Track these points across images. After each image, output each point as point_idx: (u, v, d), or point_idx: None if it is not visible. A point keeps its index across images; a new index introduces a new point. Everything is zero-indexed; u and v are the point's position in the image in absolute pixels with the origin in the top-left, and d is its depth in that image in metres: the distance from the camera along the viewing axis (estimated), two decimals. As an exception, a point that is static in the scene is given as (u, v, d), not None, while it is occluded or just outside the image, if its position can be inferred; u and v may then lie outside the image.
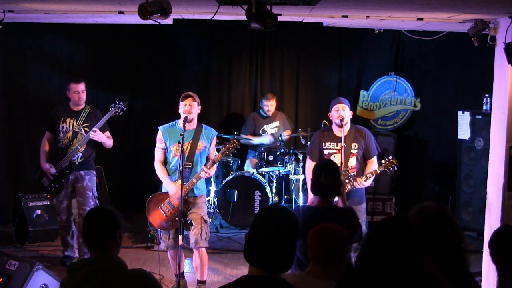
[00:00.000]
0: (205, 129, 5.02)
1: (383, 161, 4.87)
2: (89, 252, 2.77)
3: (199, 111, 4.99)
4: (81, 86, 5.67)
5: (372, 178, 4.95)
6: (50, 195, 5.80)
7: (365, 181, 4.87)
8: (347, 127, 4.96)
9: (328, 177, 3.67)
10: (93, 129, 5.54)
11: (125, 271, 2.67)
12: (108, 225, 2.73)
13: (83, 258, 2.77)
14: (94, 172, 5.83)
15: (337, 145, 4.98)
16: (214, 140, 5.06)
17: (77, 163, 5.65)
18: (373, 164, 5.02)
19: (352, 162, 4.96)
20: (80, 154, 5.64)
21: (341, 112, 4.93)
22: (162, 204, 4.90)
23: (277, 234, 2.16)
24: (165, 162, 5.01)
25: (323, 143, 5.04)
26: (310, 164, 5.09)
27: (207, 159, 4.99)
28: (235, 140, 4.83)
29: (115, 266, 2.64)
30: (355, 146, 4.98)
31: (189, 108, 4.85)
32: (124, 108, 5.66)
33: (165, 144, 4.95)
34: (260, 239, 2.16)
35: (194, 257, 4.99)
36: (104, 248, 2.69)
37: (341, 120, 4.90)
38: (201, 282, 5.04)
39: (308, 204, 3.92)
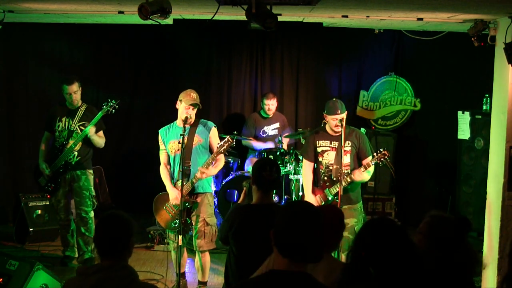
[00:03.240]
0: (201, 123, 4.97)
1: (375, 154, 4.90)
2: (100, 258, 2.66)
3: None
4: (73, 87, 5.61)
5: (370, 172, 4.95)
6: (48, 194, 5.84)
7: (362, 172, 4.87)
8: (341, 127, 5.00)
9: (271, 170, 3.70)
10: (89, 127, 5.52)
11: (137, 282, 2.63)
12: (123, 233, 2.66)
13: (95, 264, 2.64)
14: (91, 171, 5.80)
15: (330, 143, 5.04)
16: (213, 131, 4.96)
17: (73, 162, 5.62)
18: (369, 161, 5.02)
19: (346, 159, 4.97)
20: (75, 153, 5.61)
21: (342, 122, 4.93)
22: (167, 204, 4.91)
23: (310, 225, 2.20)
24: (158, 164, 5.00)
25: (317, 142, 5.09)
26: (307, 164, 5.18)
27: (211, 152, 4.93)
28: (229, 138, 4.72)
29: (127, 276, 2.59)
30: (348, 144, 5.00)
31: (192, 112, 4.83)
32: (116, 107, 5.62)
33: (164, 144, 4.94)
34: (296, 231, 2.18)
35: (196, 258, 5.00)
36: (117, 255, 2.62)
37: (340, 124, 4.90)
38: (202, 283, 5.05)
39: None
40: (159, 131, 5.02)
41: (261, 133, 7.24)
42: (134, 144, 7.74)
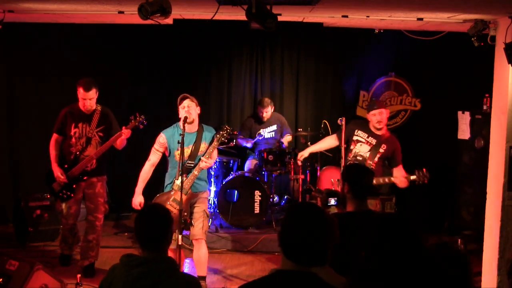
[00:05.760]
0: (206, 130, 5.05)
1: (416, 172, 5.13)
2: (141, 249, 2.78)
3: (199, 112, 5.00)
4: (90, 94, 5.36)
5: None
6: (61, 201, 5.56)
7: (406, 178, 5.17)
8: (384, 130, 5.38)
9: (369, 177, 3.64)
10: (124, 132, 5.34)
11: (177, 274, 2.74)
12: (162, 224, 2.80)
13: (138, 256, 2.75)
14: (105, 177, 5.67)
15: (367, 137, 5.33)
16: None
17: (89, 170, 5.46)
18: (403, 170, 5.30)
19: (375, 158, 5.26)
20: (93, 161, 5.46)
21: (378, 117, 5.30)
22: (168, 203, 4.90)
23: (315, 227, 2.19)
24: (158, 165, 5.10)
25: (356, 130, 5.35)
26: (331, 137, 5.65)
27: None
28: (227, 127, 4.92)
29: (168, 268, 2.71)
30: (384, 147, 5.28)
31: (188, 109, 4.88)
32: (145, 123, 5.41)
33: (169, 149, 4.99)
34: (300, 235, 2.18)
35: (194, 250, 5.03)
36: (158, 248, 2.76)
37: (379, 123, 5.31)
38: (200, 278, 5.06)
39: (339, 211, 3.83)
40: (163, 132, 5.03)
41: (257, 136, 7.25)
42: (134, 143, 7.70)
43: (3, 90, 7.37)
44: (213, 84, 7.84)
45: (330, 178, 5.86)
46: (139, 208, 4.91)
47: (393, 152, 5.35)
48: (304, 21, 6.00)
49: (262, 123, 7.29)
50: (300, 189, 6.94)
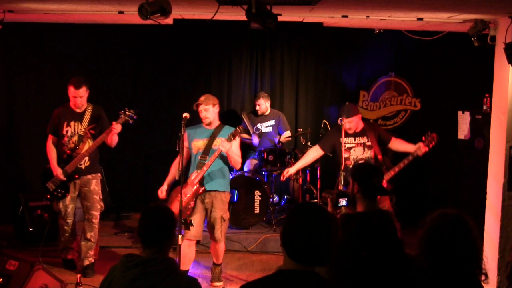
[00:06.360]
0: (225, 128, 5.21)
1: (424, 138, 5.22)
2: (142, 247, 2.79)
3: (217, 110, 5.22)
4: (81, 92, 5.42)
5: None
6: (56, 200, 5.56)
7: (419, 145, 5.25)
8: (360, 126, 5.43)
9: (379, 177, 3.64)
10: (114, 127, 5.33)
11: (176, 274, 2.73)
12: (166, 222, 2.82)
13: (137, 256, 2.75)
14: (100, 174, 5.69)
15: (354, 139, 5.40)
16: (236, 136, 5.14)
17: (83, 167, 5.49)
18: (403, 141, 5.48)
19: (367, 154, 5.36)
20: (86, 158, 5.47)
21: (347, 125, 5.30)
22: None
23: (318, 228, 2.19)
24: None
25: (340, 139, 5.29)
26: (314, 149, 5.68)
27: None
28: (239, 126, 5.06)
29: (166, 269, 2.70)
30: (372, 136, 5.38)
31: (205, 113, 5.12)
32: (135, 117, 5.45)
33: (189, 143, 5.17)
34: (303, 235, 2.18)
35: (212, 245, 5.30)
36: (159, 247, 2.76)
37: (350, 129, 5.36)
38: (216, 265, 5.32)
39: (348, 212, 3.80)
40: (187, 129, 5.13)
41: (254, 129, 7.26)
42: (134, 143, 7.73)
43: (3, 90, 7.37)
44: (213, 84, 7.84)
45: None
46: (162, 196, 5.02)
47: (378, 134, 5.46)
48: (304, 21, 6.00)
49: (260, 116, 7.33)
50: (300, 189, 6.95)
